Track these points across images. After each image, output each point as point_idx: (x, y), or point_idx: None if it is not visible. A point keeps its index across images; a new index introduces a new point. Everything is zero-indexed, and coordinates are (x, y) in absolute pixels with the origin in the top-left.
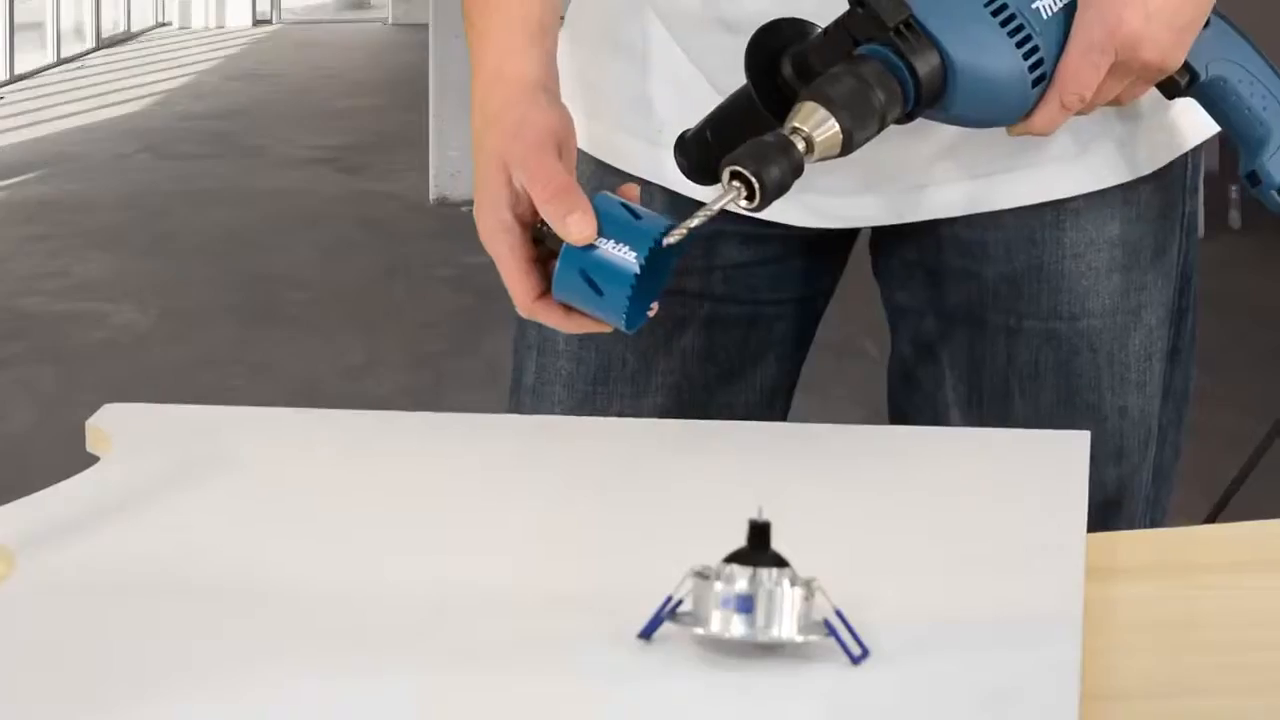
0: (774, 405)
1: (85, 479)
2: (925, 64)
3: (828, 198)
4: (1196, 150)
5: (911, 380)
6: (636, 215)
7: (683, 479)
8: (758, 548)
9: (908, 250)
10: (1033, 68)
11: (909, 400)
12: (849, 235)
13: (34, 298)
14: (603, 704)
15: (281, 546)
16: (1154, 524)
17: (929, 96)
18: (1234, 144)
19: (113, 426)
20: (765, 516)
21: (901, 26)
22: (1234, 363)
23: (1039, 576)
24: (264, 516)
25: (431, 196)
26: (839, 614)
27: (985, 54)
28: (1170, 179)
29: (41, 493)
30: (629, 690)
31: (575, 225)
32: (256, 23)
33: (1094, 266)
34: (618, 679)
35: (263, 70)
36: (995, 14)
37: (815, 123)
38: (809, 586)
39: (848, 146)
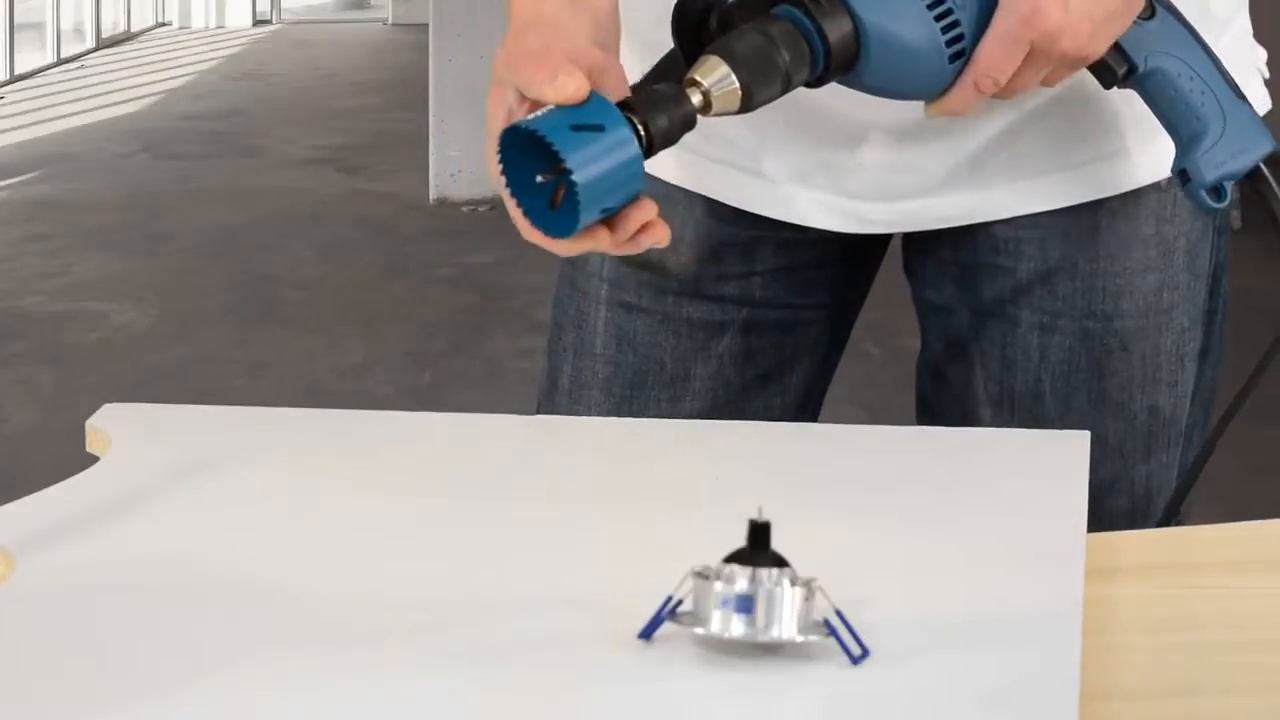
0: (807, 407)
1: (85, 479)
2: (836, 28)
3: (866, 203)
4: None
5: (942, 378)
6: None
7: (683, 479)
8: (758, 548)
9: (942, 248)
10: (951, 42)
11: (939, 398)
12: (882, 240)
13: (33, 297)
14: (603, 704)
15: (281, 546)
16: (1177, 524)
17: (840, 62)
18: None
19: (113, 426)
20: (765, 516)
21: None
22: (1234, 363)
23: (1039, 576)
24: (264, 516)
25: (431, 196)
26: (839, 614)
27: (900, 23)
28: None
29: (41, 493)
30: (629, 690)
31: (564, 82)
32: (256, 23)
33: (1128, 266)
34: (618, 679)
35: (262, 70)
36: None
37: (716, 78)
38: (809, 586)
39: (747, 104)
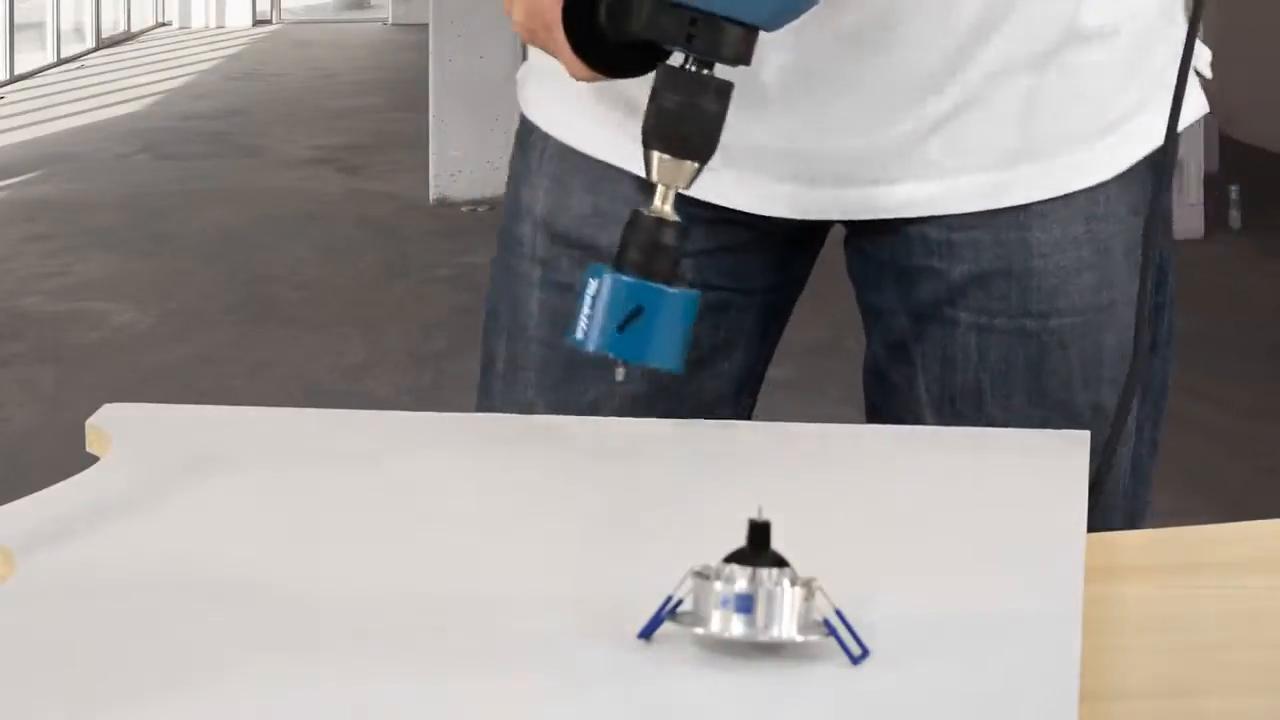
0: (742, 394)
1: (85, 479)
2: (729, 46)
3: (788, 185)
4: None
5: (885, 380)
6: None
7: (683, 479)
8: (758, 548)
9: (878, 249)
10: None
11: (884, 401)
12: (818, 229)
13: (34, 297)
14: (603, 704)
15: (281, 546)
16: (1133, 519)
17: (746, 50)
18: None
19: (113, 426)
20: (765, 516)
21: (690, 33)
22: (1234, 363)
23: (1039, 576)
24: (264, 516)
25: (431, 196)
26: (839, 614)
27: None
28: (1139, 175)
29: (41, 493)
30: (629, 690)
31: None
32: (256, 23)
33: (1062, 265)
34: (618, 679)
35: (263, 70)
36: None
37: (673, 174)
38: (809, 586)
39: (707, 159)
